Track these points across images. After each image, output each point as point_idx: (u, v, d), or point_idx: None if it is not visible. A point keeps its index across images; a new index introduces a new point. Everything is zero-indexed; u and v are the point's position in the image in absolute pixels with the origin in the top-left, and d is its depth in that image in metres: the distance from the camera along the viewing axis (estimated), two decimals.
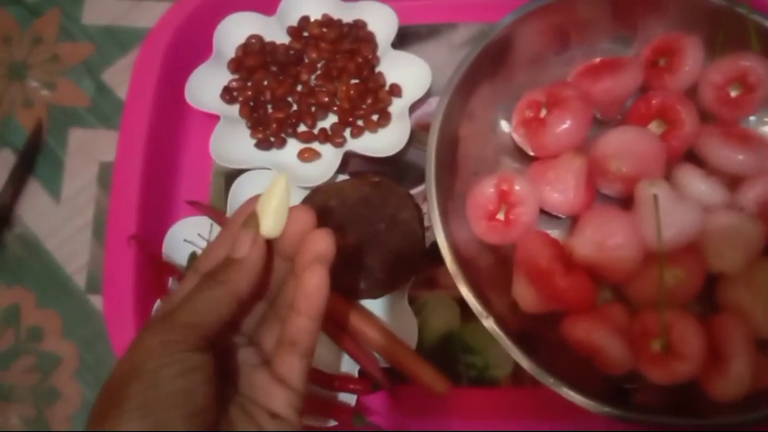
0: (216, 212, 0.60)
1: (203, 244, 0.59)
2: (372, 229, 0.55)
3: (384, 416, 0.56)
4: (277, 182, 0.38)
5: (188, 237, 0.59)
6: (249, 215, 0.38)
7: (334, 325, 0.54)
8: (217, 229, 0.59)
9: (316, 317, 0.38)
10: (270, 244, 0.38)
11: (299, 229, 0.38)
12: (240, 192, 0.60)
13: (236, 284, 0.36)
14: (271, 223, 0.37)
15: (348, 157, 0.62)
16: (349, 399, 0.54)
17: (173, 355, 0.33)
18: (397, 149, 0.59)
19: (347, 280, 0.55)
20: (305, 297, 0.37)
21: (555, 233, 0.57)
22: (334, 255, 0.38)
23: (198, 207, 0.61)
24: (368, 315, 0.55)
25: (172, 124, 0.65)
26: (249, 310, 0.40)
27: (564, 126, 0.54)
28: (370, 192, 0.57)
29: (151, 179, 0.60)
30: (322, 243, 0.38)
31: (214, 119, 0.63)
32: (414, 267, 0.56)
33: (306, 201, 0.58)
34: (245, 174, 0.61)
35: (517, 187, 0.54)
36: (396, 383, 0.55)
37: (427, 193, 0.53)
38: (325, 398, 0.54)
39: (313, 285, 0.37)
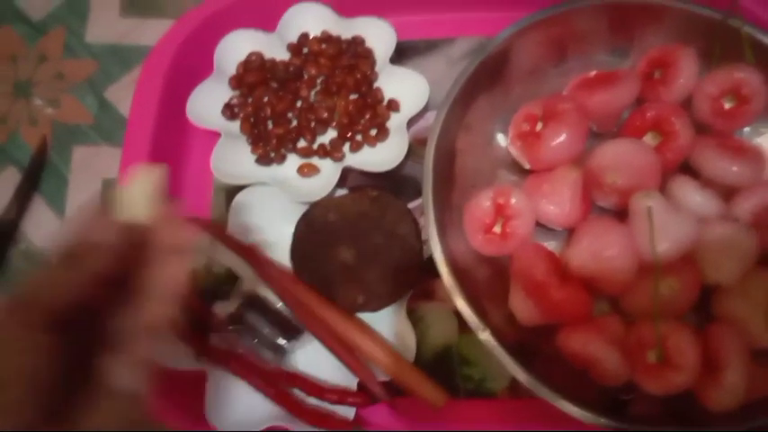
0: (215, 229, 0.60)
1: (203, 260, 0.60)
2: (371, 243, 0.56)
3: (382, 429, 0.57)
4: (143, 171, 0.38)
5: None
6: (111, 200, 0.38)
7: (333, 338, 0.55)
8: (216, 244, 0.60)
9: (167, 304, 0.38)
10: (134, 232, 0.38)
11: (165, 220, 0.39)
12: (241, 207, 0.61)
13: (92, 267, 0.36)
14: (134, 209, 0.37)
15: (347, 172, 0.63)
16: (348, 412, 0.55)
17: (20, 333, 0.33)
18: (395, 164, 0.60)
19: (346, 293, 0.55)
20: (157, 284, 0.37)
21: (551, 245, 0.58)
22: (192, 248, 0.39)
23: (197, 223, 0.61)
24: (366, 328, 0.56)
25: (173, 141, 0.66)
26: (109, 294, 0.38)
27: (559, 139, 0.55)
28: (368, 206, 0.58)
29: None
30: (181, 234, 0.39)
31: (215, 135, 0.63)
32: (411, 281, 0.57)
33: (305, 215, 0.59)
34: (246, 189, 0.61)
35: (513, 200, 0.54)
36: (394, 396, 0.56)
37: (424, 207, 0.53)
38: (324, 410, 0.55)
39: (166, 273, 0.37)
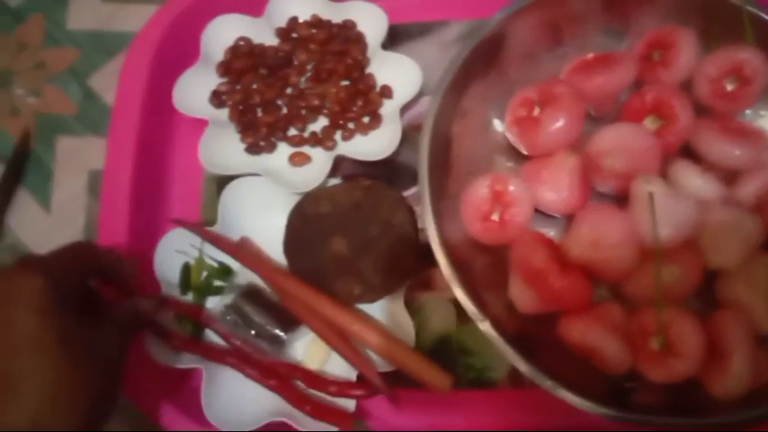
0: (203, 229, 0.59)
1: (195, 254, 0.59)
2: (365, 233, 0.55)
3: (383, 420, 0.56)
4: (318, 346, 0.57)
5: (180, 247, 0.58)
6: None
7: (331, 331, 0.54)
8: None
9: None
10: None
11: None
12: (230, 199, 0.59)
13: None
14: (312, 361, 0.57)
15: (340, 161, 0.61)
16: (347, 404, 0.54)
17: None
18: (389, 152, 0.58)
19: (342, 285, 0.54)
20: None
21: (550, 233, 0.57)
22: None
23: (184, 225, 0.59)
24: (364, 318, 0.54)
25: (161, 130, 0.64)
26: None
27: (557, 124, 0.53)
28: (361, 196, 0.56)
29: (141, 187, 0.60)
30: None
31: (204, 123, 0.62)
32: (408, 271, 0.56)
33: (297, 207, 0.57)
34: (236, 181, 0.60)
35: (511, 187, 0.53)
36: (394, 387, 0.54)
37: (420, 195, 0.52)
38: (327, 402, 0.54)
39: None
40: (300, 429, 0.52)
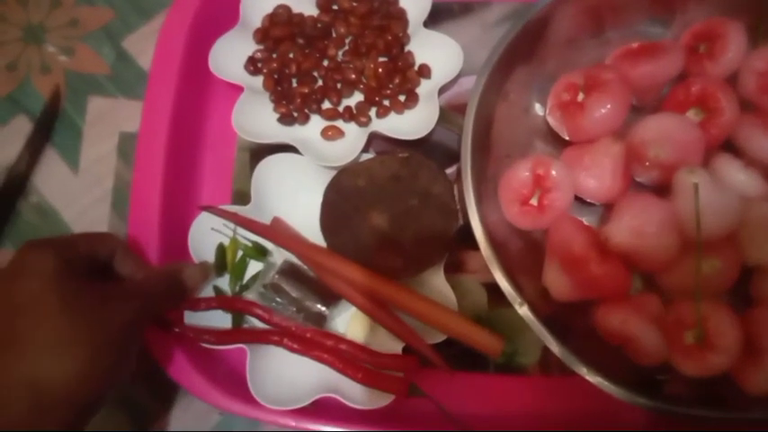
0: (234, 215, 0.58)
1: (230, 234, 0.58)
2: (405, 205, 0.54)
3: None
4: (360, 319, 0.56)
5: (215, 225, 0.58)
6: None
7: (375, 305, 0.53)
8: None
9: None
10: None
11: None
12: (263, 177, 0.59)
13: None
14: (355, 334, 0.56)
15: (371, 138, 0.60)
16: None
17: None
18: (424, 132, 0.57)
19: (383, 260, 0.54)
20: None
21: (586, 220, 0.56)
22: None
23: (214, 211, 0.58)
24: (410, 290, 0.54)
25: (197, 95, 0.63)
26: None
27: (603, 110, 0.53)
28: (399, 168, 0.56)
29: (176, 151, 0.59)
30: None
31: (239, 91, 0.61)
32: (449, 241, 0.55)
33: (333, 183, 0.56)
34: (269, 158, 0.59)
35: (553, 172, 0.53)
36: (424, 367, 0.54)
37: (462, 177, 0.51)
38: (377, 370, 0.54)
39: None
40: (350, 404, 0.52)
